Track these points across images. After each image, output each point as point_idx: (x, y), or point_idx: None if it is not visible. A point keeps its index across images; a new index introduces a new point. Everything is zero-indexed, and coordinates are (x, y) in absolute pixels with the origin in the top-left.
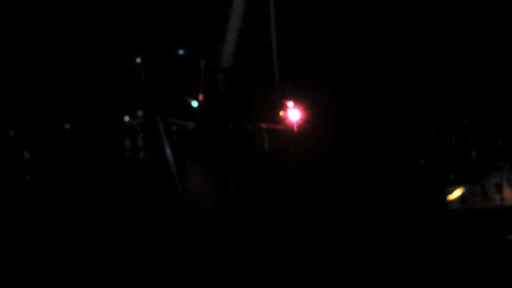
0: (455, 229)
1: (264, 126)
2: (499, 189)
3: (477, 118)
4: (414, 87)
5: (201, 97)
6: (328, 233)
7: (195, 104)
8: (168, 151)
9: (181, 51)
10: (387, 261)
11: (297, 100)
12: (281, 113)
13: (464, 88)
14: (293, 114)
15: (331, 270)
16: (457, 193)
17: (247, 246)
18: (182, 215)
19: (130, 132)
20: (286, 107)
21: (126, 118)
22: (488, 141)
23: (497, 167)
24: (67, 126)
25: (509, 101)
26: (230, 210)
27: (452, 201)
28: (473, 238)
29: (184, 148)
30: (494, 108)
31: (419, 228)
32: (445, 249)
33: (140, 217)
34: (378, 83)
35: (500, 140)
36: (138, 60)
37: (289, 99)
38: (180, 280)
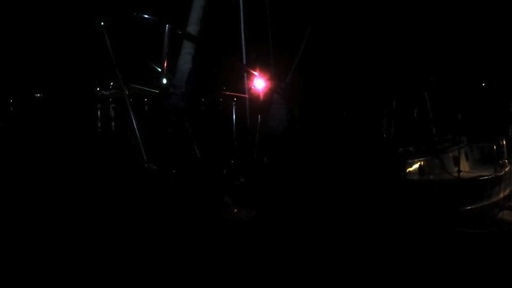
0: (413, 199)
1: (230, 94)
2: (456, 162)
3: (437, 93)
4: (379, 61)
5: (165, 64)
6: (292, 201)
7: (159, 70)
8: (133, 119)
9: (146, 16)
10: (346, 228)
11: (263, 69)
12: (248, 83)
13: (426, 65)
14: (259, 83)
15: (289, 237)
16: (416, 165)
17: (210, 212)
18: (148, 182)
19: (102, 102)
20: (252, 75)
21: (98, 89)
22: (447, 116)
23: (456, 141)
24: (39, 96)
25: (467, 78)
26: (195, 176)
27: (412, 173)
28: (430, 208)
29: (153, 116)
30: (454, 84)
31: (379, 197)
32: (403, 219)
33: (107, 184)
34: (344, 54)
35: (459, 115)
36: (102, 23)
37: (255, 68)
38: (139, 245)
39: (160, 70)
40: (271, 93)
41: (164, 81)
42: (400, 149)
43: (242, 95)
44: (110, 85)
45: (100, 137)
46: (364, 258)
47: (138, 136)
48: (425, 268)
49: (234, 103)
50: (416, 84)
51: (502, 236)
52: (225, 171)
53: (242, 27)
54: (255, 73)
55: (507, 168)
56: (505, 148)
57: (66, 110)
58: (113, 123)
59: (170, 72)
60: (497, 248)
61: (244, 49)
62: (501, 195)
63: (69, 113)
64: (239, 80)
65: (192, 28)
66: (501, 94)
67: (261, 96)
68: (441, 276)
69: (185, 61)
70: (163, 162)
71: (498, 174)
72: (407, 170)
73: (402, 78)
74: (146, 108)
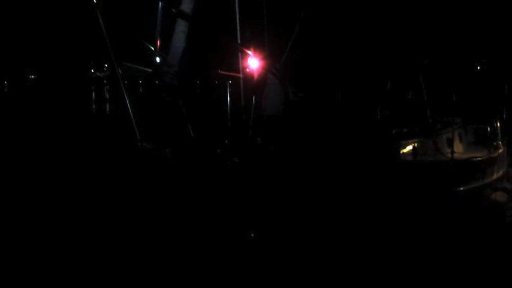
0: (407, 180)
1: (224, 74)
2: (450, 143)
3: (432, 75)
4: (373, 43)
5: (158, 42)
6: (284, 180)
7: (152, 49)
8: (126, 98)
9: None
10: (341, 209)
11: (257, 48)
12: (242, 62)
13: (421, 46)
14: (253, 62)
15: (282, 215)
16: (410, 146)
17: (204, 190)
18: (141, 160)
19: (97, 84)
20: (247, 55)
21: (93, 70)
22: (441, 97)
23: (450, 123)
24: (32, 77)
25: (462, 61)
26: (189, 156)
27: (405, 154)
28: (424, 189)
29: (146, 95)
30: (449, 66)
31: (374, 178)
32: (397, 198)
33: (100, 164)
34: (339, 36)
35: (454, 97)
36: (95, 1)
37: (249, 47)
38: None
39: (153, 49)
40: (265, 73)
41: (157, 60)
42: (394, 130)
43: (236, 75)
44: (104, 67)
45: (94, 118)
46: (359, 239)
47: (132, 115)
48: (420, 246)
49: (228, 83)
50: (411, 66)
51: (494, 217)
52: (219, 151)
53: (236, 5)
54: (249, 52)
55: (501, 150)
56: (499, 130)
57: (61, 92)
58: (107, 105)
59: (164, 51)
60: (490, 228)
61: (238, 28)
62: (494, 176)
63: (63, 95)
64: (233, 60)
65: (186, 6)
66: (496, 77)
67: (255, 75)
68: (435, 254)
69: (179, 40)
70: (157, 141)
71: (492, 155)
72: (401, 151)
73: (397, 59)
74: (141, 88)
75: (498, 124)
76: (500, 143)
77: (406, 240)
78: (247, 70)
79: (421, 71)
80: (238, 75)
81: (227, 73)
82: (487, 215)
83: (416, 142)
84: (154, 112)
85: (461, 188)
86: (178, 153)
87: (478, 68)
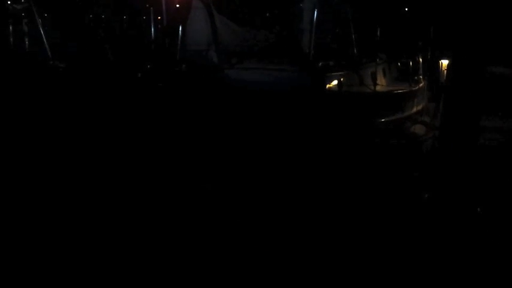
0: (332, 110)
1: None
2: (374, 77)
3: (358, 12)
4: None
5: None
6: (211, 106)
7: None
8: (37, 17)
9: None
10: (264, 135)
11: None
12: None
13: None
14: None
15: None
16: (335, 78)
17: (118, 110)
18: (51, 78)
19: (15, 17)
20: None
21: (9, 2)
22: (367, 33)
23: (374, 57)
24: None
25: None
26: (108, 77)
27: (331, 86)
28: (347, 119)
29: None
30: (376, 3)
31: (299, 107)
32: (322, 128)
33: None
34: None
35: (378, 32)
36: None
37: None
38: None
39: None
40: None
41: None
42: (321, 63)
43: None
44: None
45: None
46: (282, 166)
47: (43, 34)
48: (339, 174)
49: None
50: (341, 2)
51: (412, 147)
52: (139, 74)
53: None
54: None
55: (421, 85)
56: (420, 65)
57: None
58: (26, 40)
59: None
60: (407, 158)
61: None
62: (414, 109)
63: None
64: None
65: None
66: (420, 15)
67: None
68: (355, 180)
69: None
70: (72, 61)
71: (412, 89)
72: (327, 83)
73: None
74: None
75: (420, 60)
76: (421, 77)
77: (327, 167)
78: None
79: (350, 6)
80: None
81: None
82: (405, 146)
83: (341, 75)
84: (72, 32)
85: (383, 120)
86: (93, 72)
87: (406, 9)
